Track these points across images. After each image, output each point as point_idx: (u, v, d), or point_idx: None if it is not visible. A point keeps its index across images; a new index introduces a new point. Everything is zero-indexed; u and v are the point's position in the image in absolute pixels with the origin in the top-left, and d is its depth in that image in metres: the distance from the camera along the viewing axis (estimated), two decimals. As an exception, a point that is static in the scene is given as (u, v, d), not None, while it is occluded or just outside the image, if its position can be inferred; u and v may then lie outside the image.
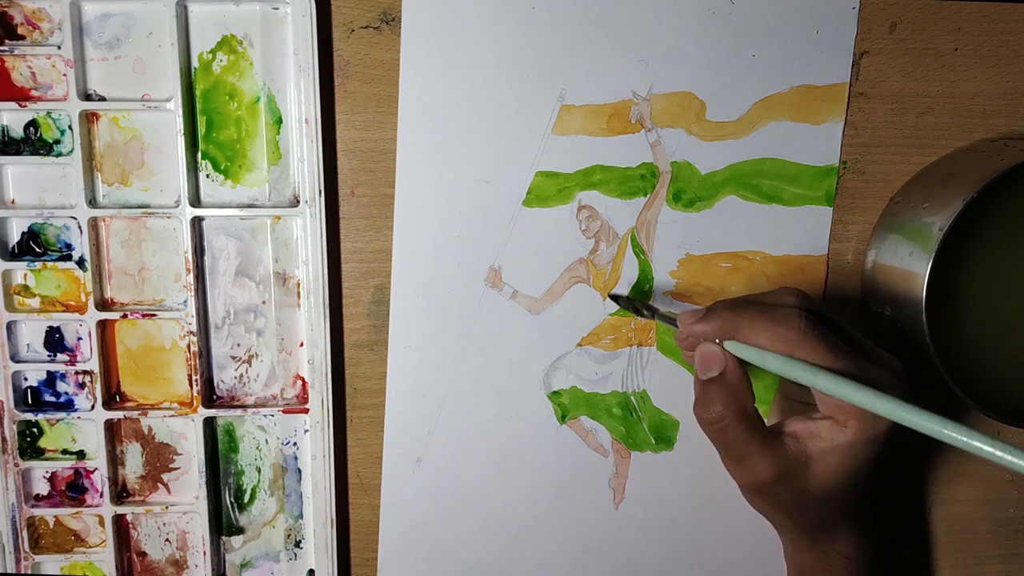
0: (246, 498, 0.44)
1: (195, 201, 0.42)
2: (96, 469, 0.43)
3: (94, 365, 0.42)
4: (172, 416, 0.43)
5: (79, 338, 0.43)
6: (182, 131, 0.40)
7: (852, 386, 0.32)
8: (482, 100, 0.42)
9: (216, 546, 0.44)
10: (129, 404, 0.43)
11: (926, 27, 0.42)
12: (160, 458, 0.44)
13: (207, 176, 0.42)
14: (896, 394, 0.31)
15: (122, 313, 0.42)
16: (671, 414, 0.44)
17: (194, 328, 0.42)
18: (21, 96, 0.40)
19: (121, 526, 0.44)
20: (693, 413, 0.36)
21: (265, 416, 0.43)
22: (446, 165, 0.42)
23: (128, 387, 0.43)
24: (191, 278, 0.42)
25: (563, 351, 0.44)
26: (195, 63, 0.41)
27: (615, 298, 0.43)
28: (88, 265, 0.41)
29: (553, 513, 0.45)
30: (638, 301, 0.41)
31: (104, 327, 0.42)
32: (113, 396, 0.43)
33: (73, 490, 0.44)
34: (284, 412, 0.43)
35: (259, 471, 0.44)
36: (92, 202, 0.41)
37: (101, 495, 0.43)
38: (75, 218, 0.41)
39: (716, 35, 0.42)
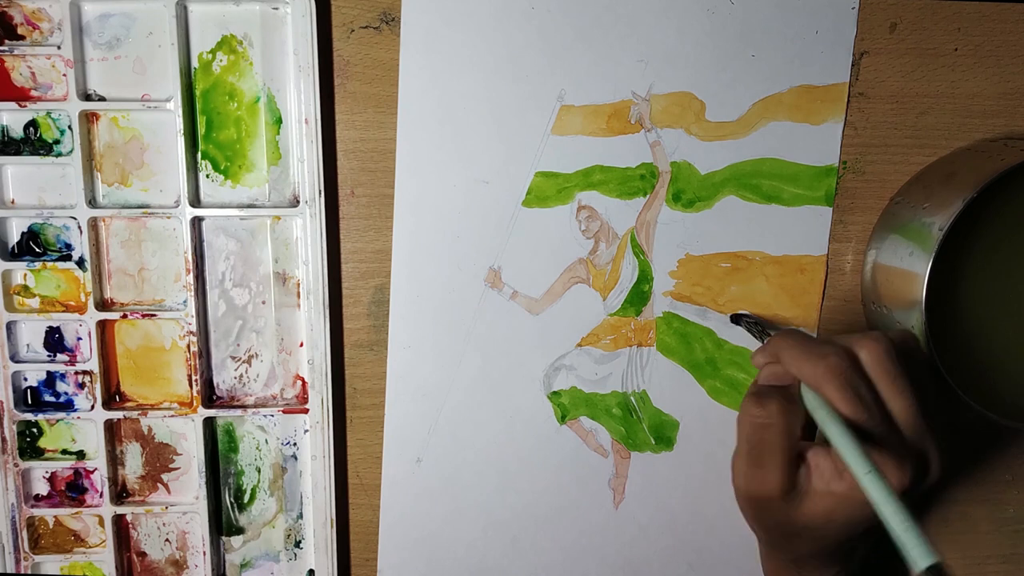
0: (246, 498, 0.44)
1: (195, 201, 0.42)
2: (96, 469, 0.43)
3: (94, 365, 0.42)
4: (172, 416, 0.43)
5: (79, 338, 0.43)
6: (182, 131, 0.40)
7: (854, 455, 0.30)
8: (482, 100, 0.42)
9: (216, 546, 0.44)
10: (129, 404, 0.43)
11: (926, 27, 0.42)
12: (160, 458, 0.44)
13: (207, 176, 0.42)
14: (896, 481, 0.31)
15: (122, 313, 0.42)
16: (671, 414, 0.44)
17: (194, 328, 0.42)
18: (21, 96, 0.40)
19: (121, 526, 0.44)
20: (744, 402, 0.35)
21: (265, 416, 0.43)
22: (446, 165, 0.42)
23: (128, 387, 0.43)
24: (191, 278, 0.42)
25: (563, 351, 0.44)
26: (195, 63, 0.41)
27: (736, 319, 0.43)
28: (88, 265, 0.41)
29: (553, 513, 0.45)
30: (762, 324, 0.41)
31: (104, 327, 0.42)
32: (113, 396, 0.43)
33: (73, 490, 0.44)
34: (284, 412, 0.43)
35: (259, 471, 0.44)
36: (92, 202, 0.41)
37: (101, 495, 0.43)
38: (75, 218, 0.41)
39: (716, 35, 0.42)
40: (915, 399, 0.33)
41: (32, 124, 0.41)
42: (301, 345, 0.43)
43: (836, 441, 0.31)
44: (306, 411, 0.43)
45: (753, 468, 0.34)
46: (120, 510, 0.43)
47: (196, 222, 0.42)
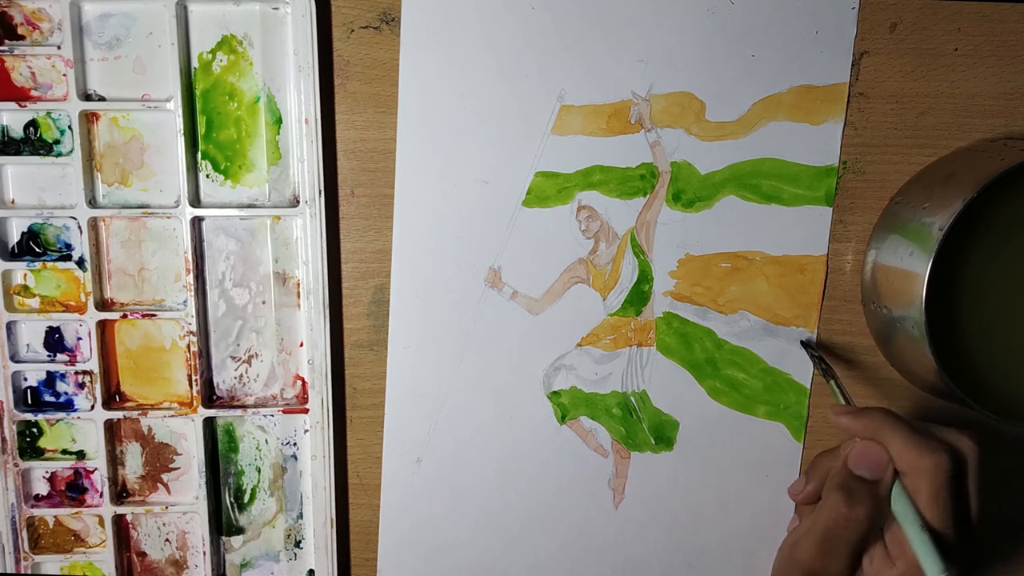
0: (246, 498, 0.44)
1: (195, 201, 0.42)
2: (96, 469, 0.43)
3: (94, 365, 0.42)
4: (172, 416, 0.43)
5: (79, 338, 0.43)
6: (182, 131, 0.40)
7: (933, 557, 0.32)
8: (482, 100, 0.42)
9: (216, 546, 0.44)
10: (129, 404, 0.43)
11: (926, 27, 0.42)
12: (160, 458, 0.44)
13: (207, 176, 0.42)
14: None
15: (122, 313, 0.42)
16: (671, 414, 0.44)
17: (194, 328, 0.42)
18: (21, 96, 0.41)
19: (121, 526, 0.44)
20: (831, 491, 0.35)
21: (265, 416, 0.43)
22: (446, 165, 0.42)
23: (128, 387, 0.43)
24: (191, 278, 0.42)
25: (563, 351, 0.44)
26: (195, 63, 0.41)
27: (806, 345, 0.43)
28: (88, 265, 0.41)
29: (553, 513, 0.45)
30: (826, 363, 0.42)
31: (104, 327, 0.42)
32: (113, 396, 0.43)
33: (73, 490, 0.44)
34: (284, 412, 0.43)
35: (259, 471, 0.44)
36: (92, 202, 0.41)
37: (101, 495, 0.43)
38: (75, 218, 0.41)
39: (716, 35, 0.42)
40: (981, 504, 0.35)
41: (32, 124, 0.41)
42: (301, 345, 0.43)
43: (912, 537, 0.33)
44: (306, 411, 0.43)
45: (823, 554, 0.35)
46: (120, 510, 0.43)
47: (196, 222, 0.42)
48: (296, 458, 0.44)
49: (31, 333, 0.43)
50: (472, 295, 0.43)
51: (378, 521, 0.45)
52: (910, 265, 0.38)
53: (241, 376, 0.43)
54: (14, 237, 0.42)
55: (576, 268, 0.43)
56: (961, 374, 0.38)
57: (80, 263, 0.42)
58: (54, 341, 0.43)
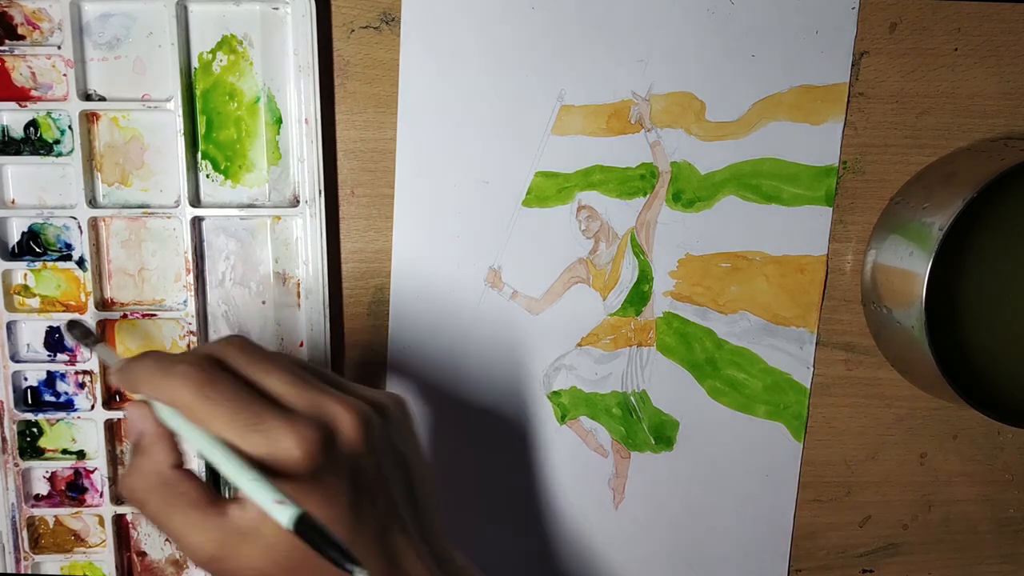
0: (246, 498, 0.44)
1: (195, 201, 0.42)
2: (96, 469, 0.43)
3: (94, 365, 0.42)
4: (172, 416, 0.43)
5: (79, 338, 0.43)
6: (182, 131, 0.40)
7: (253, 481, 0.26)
8: (482, 100, 0.42)
9: (216, 546, 0.44)
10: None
11: (926, 27, 0.42)
12: (160, 458, 0.44)
13: (207, 176, 0.42)
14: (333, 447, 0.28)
15: (122, 313, 0.42)
16: (671, 414, 0.44)
17: (194, 328, 0.42)
18: (21, 96, 0.41)
19: (121, 526, 0.44)
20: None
21: (265, 416, 0.43)
22: (446, 165, 0.42)
23: (128, 387, 0.43)
24: (191, 278, 0.42)
25: (563, 351, 0.44)
26: (195, 63, 0.41)
27: (71, 325, 0.37)
28: (88, 265, 0.41)
29: (553, 513, 0.45)
30: (91, 334, 0.36)
31: (104, 327, 0.42)
32: (113, 396, 0.43)
33: (73, 490, 0.44)
34: (284, 412, 0.43)
35: (259, 471, 0.44)
36: (92, 202, 0.41)
37: (101, 495, 0.43)
38: (75, 218, 0.41)
39: (716, 35, 0.42)
40: (289, 371, 0.30)
41: (32, 124, 0.41)
42: (301, 345, 0.43)
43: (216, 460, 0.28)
44: (306, 411, 0.43)
45: (177, 540, 0.29)
46: (120, 510, 0.43)
47: (196, 222, 0.42)
48: (296, 458, 0.44)
49: (31, 333, 0.43)
50: (472, 295, 0.43)
51: (378, 521, 0.45)
52: (910, 265, 0.38)
53: (241, 376, 0.43)
54: (14, 237, 0.42)
55: (576, 268, 0.43)
56: (961, 374, 0.38)
57: (80, 263, 0.42)
58: (54, 341, 0.43)
